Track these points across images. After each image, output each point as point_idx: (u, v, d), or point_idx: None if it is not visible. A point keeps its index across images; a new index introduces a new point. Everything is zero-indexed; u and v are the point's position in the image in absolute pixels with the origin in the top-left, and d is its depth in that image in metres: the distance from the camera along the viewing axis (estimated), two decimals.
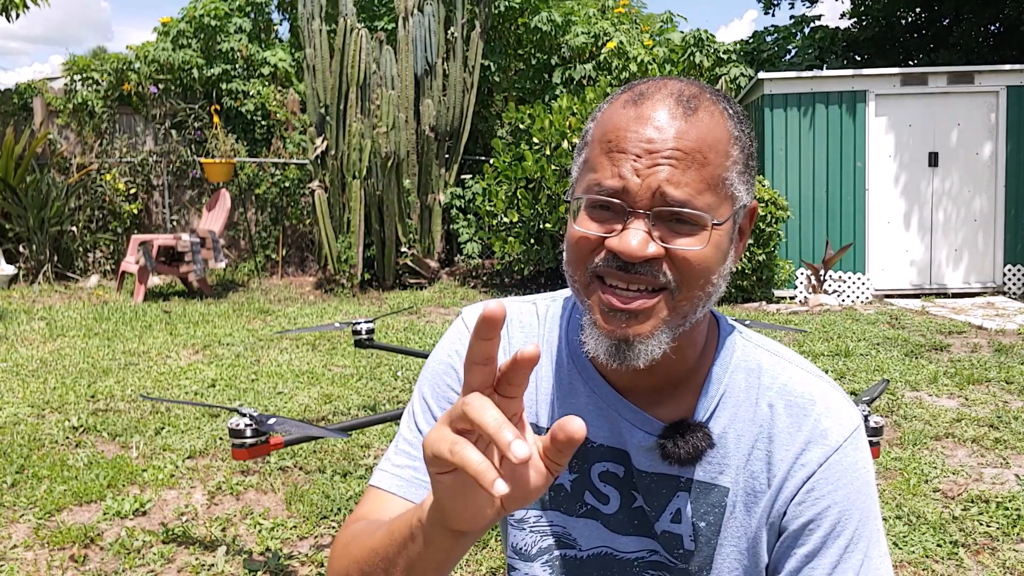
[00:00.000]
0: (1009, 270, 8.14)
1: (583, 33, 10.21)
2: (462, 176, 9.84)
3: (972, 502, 3.01)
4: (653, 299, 0.80)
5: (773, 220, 7.49)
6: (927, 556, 2.60)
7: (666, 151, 0.78)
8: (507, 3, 10.01)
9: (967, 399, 4.34)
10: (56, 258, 9.40)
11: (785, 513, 0.86)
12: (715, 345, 0.92)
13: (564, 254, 0.86)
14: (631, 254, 0.78)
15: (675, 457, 0.88)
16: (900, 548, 2.66)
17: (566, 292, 1.00)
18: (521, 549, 0.97)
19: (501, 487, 0.57)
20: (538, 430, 0.94)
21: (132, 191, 9.93)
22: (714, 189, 0.80)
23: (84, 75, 9.87)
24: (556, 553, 0.95)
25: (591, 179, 0.82)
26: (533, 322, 0.98)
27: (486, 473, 0.57)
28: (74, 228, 9.52)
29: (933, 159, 8.13)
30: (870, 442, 1.95)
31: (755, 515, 0.88)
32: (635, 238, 0.78)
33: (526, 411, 0.94)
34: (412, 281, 9.10)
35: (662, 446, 0.88)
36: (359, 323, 3.42)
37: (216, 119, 9.98)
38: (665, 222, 0.79)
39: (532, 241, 8.39)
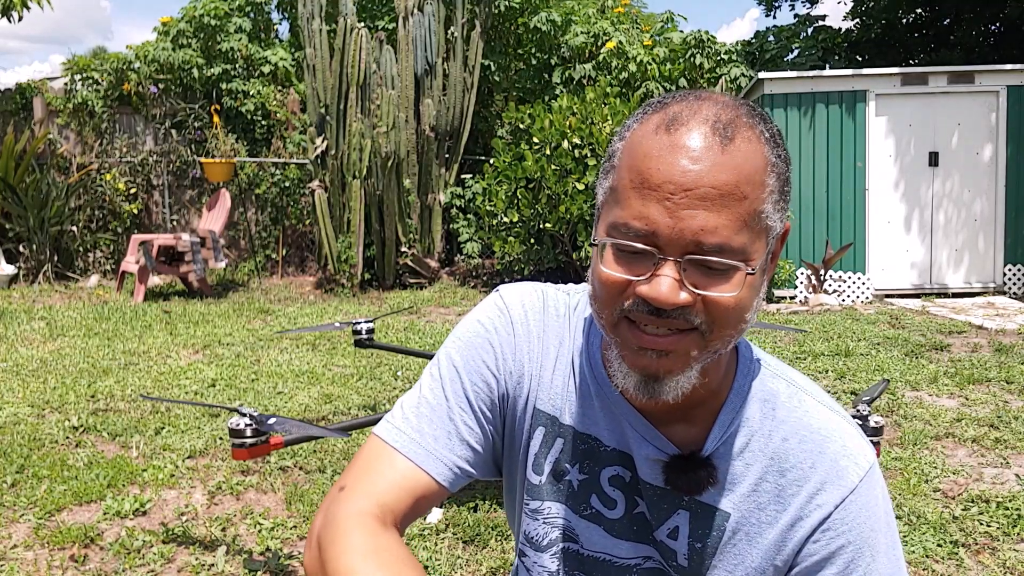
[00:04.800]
0: (1009, 270, 8.14)
1: (583, 33, 10.21)
2: (462, 176, 9.84)
3: (972, 502, 3.01)
4: (684, 338, 0.78)
5: None
6: (927, 556, 2.60)
7: (701, 189, 0.74)
8: (507, 3, 10.01)
9: (967, 399, 4.34)
10: (56, 258, 9.40)
11: (799, 551, 0.86)
12: (734, 371, 0.91)
13: (590, 288, 0.84)
14: (662, 302, 0.75)
15: (677, 486, 0.88)
16: None
17: None
18: (533, 538, 0.98)
19: None
20: (559, 425, 0.94)
21: (132, 191, 9.93)
22: (750, 226, 0.76)
23: (84, 75, 9.87)
24: (562, 546, 0.96)
25: (618, 216, 0.78)
26: (566, 312, 0.97)
27: None
28: (74, 228, 9.52)
29: (933, 159, 8.13)
30: (871, 442, 1.95)
31: (758, 546, 0.88)
32: (665, 285, 0.75)
33: (550, 403, 0.95)
34: (412, 281, 9.10)
35: (667, 472, 0.88)
36: (359, 323, 3.41)
37: (216, 119, 9.98)
38: (697, 267, 0.76)
39: (532, 241, 8.39)
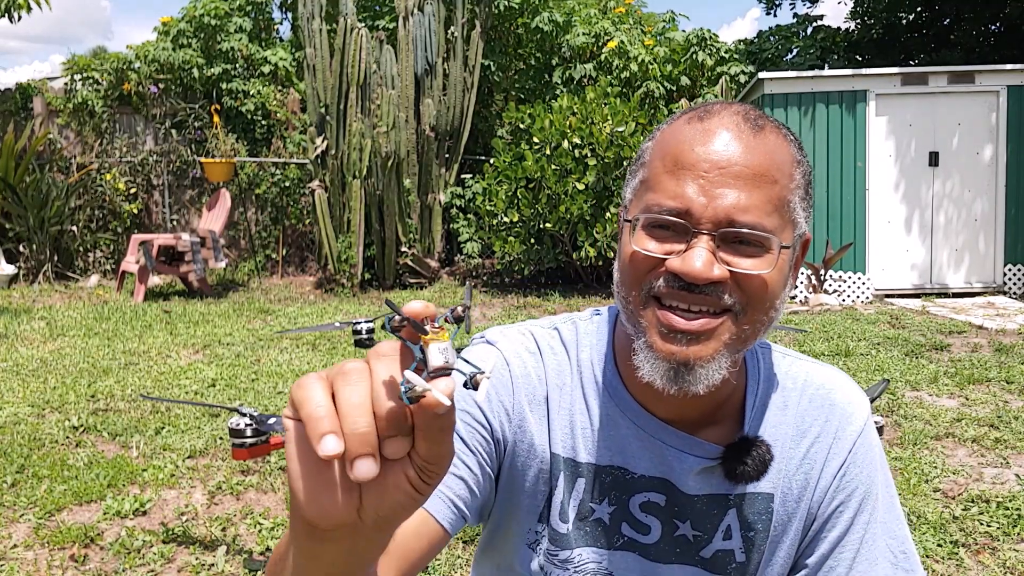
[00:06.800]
0: (1009, 270, 8.13)
1: (584, 33, 10.21)
2: (462, 176, 9.84)
3: (972, 502, 3.01)
4: (717, 320, 0.77)
5: None
6: (927, 556, 2.60)
7: (734, 167, 0.75)
8: (507, 3, 10.01)
9: (967, 399, 4.34)
10: (56, 258, 9.40)
11: (822, 501, 0.88)
12: (745, 362, 0.92)
13: (615, 275, 0.83)
14: (696, 276, 0.74)
15: (744, 476, 0.86)
16: None
17: (584, 315, 0.97)
18: None
19: (330, 445, 0.45)
20: (576, 466, 0.90)
21: (132, 191, 9.93)
22: (780, 211, 0.77)
23: (84, 75, 9.87)
24: None
25: (651, 199, 0.78)
26: (560, 348, 0.93)
27: (318, 422, 0.46)
28: (74, 228, 9.52)
29: (934, 159, 8.13)
30: None
31: (797, 512, 0.90)
32: (700, 259, 0.74)
33: (562, 445, 0.89)
34: (412, 281, 9.10)
35: (727, 467, 0.87)
36: (359, 323, 3.41)
37: (216, 119, 9.98)
38: (730, 243, 0.76)
39: (532, 241, 8.39)
